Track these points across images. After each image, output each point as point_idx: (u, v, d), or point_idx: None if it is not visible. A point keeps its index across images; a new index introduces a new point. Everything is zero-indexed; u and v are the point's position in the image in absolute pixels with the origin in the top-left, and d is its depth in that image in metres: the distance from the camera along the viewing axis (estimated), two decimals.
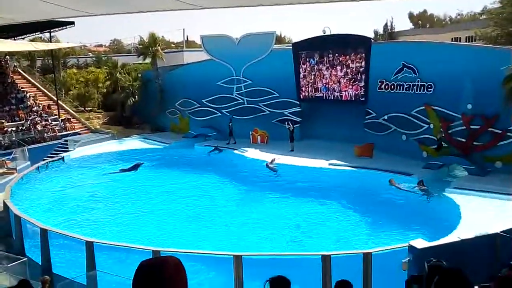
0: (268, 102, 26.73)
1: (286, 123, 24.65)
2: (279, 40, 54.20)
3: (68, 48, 41.73)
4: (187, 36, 65.73)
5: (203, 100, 29.23)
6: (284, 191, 19.09)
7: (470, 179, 17.45)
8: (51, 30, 33.85)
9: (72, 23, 32.34)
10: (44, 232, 13.03)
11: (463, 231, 12.02)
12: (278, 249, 13.33)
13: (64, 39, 51.16)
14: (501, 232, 10.56)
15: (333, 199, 17.62)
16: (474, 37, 45.92)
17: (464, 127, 18.86)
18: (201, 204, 18.18)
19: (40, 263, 12.98)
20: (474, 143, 18.62)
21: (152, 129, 32.63)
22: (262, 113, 27.00)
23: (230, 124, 26.66)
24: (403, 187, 17.82)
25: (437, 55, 20.17)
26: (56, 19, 24.37)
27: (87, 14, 4.81)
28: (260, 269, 10.65)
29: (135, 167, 23.33)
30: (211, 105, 28.97)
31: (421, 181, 17.72)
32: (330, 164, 20.73)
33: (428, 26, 75.16)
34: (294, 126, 24.52)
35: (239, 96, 27.85)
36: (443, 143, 19.31)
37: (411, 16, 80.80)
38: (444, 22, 77.61)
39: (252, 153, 23.89)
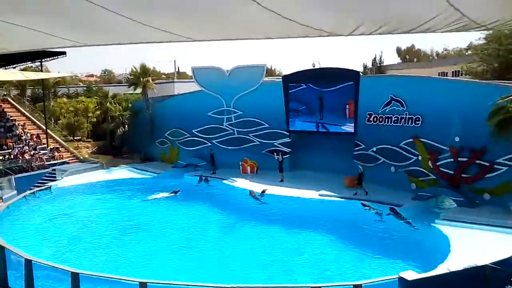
0: (258, 133, 26.89)
1: (275, 153, 24.79)
2: (270, 72, 54.97)
3: (59, 77, 41.87)
4: (178, 67, 66.47)
5: (193, 130, 29.31)
6: (273, 222, 18.94)
7: (459, 211, 17.52)
8: (42, 60, 34.00)
9: (64, 53, 32.54)
10: (28, 263, 12.73)
11: (453, 263, 12.00)
12: (267, 280, 13.16)
13: (55, 68, 51.42)
14: (490, 263, 10.56)
15: (323, 230, 17.51)
16: (461, 72, 46.99)
17: (452, 159, 19.06)
18: (189, 235, 17.96)
19: None
20: (462, 175, 18.79)
21: (141, 159, 32.48)
22: (252, 144, 27.11)
23: (211, 152, 26.92)
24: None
25: (425, 89, 20.57)
26: (48, 49, 24.54)
27: (79, 45, 4.87)
28: None
29: (175, 192, 23.26)
30: (201, 135, 29.05)
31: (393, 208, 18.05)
32: (320, 195, 20.74)
33: (415, 60, 76.82)
34: (284, 156, 24.59)
35: (229, 127, 28.00)
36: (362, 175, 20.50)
37: (399, 51, 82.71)
38: (431, 57, 79.41)
39: (242, 183, 23.83)
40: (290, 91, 25.35)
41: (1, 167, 27.02)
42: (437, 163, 19.56)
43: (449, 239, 14.60)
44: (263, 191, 21.89)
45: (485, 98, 17.72)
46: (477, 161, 18.34)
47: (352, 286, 10.13)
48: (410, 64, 67.74)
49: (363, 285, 10.14)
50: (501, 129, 17.08)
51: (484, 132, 17.52)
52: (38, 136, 32.64)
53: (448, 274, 10.51)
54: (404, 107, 21.00)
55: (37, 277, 12.66)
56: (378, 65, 65.61)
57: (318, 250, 15.98)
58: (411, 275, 10.18)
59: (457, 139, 18.88)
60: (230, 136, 27.96)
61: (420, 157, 20.25)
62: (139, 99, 34.18)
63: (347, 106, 23.43)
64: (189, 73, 33.73)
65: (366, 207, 18.96)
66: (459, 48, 67.87)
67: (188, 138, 29.67)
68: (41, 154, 30.25)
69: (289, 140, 26.09)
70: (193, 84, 29.87)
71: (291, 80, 25.66)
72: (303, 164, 25.52)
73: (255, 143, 26.99)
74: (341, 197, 20.36)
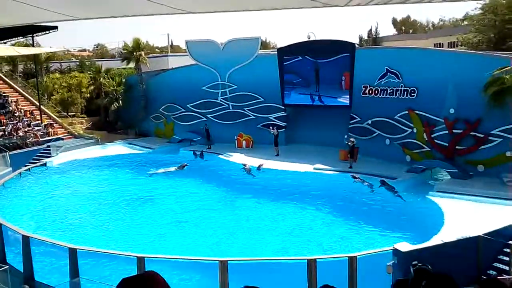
0: (253, 107, 26.77)
1: (270, 127, 24.71)
2: (264, 45, 54.40)
3: (51, 52, 41.27)
4: (171, 41, 65.63)
5: (188, 105, 29.14)
6: (269, 196, 19.06)
7: (453, 183, 17.65)
8: (34, 35, 33.41)
9: (56, 27, 31.93)
10: (26, 239, 12.79)
11: (446, 234, 12.16)
12: (262, 253, 13.31)
13: (47, 43, 50.65)
14: (483, 234, 10.71)
15: (318, 203, 17.66)
16: (456, 43, 46.70)
17: (447, 131, 19.10)
18: (185, 209, 18.08)
19: (22, 271, 12.74)
20: (457, 147, 18.86)
21: (136, 134, 32.40)
22: (247, 118, 27.02)
23: (206, 127, 26.73)
24: None
25: (420, 60, 20.48)
26: (39, 23, 24.08)
27: (71, 18, 4.76)
28: (245, 275, 10.65)
29: (181, 167, 23.37)
30: (196, 110, 28.89)
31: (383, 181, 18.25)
32: (315, 169, 20.82)
33: (411, 31, 76.15)
34: (279, 130, 24.55)
35: (224, 101, 27.84)
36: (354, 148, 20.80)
37: (394, 22, 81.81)
38: (427, 28, 78.71)
39: (237, 157, 23.85)
40: (285, 64, 25.14)
41: None
42: (432, 135, 19.59)
43: (442, 211, 14.75)
44: (260, 166, 21.94)
45: (480, 69, 17.69)
46: (472, 133, 18.38)
47: (347, 258, 10.26)
48: (406, 36, 67.18)
49: (357, 257, 10.27)
50: (496, 100, 17.12)
51: (479, 104, 17.54)
52: (31, 112, 32.37)
53: (441, 245, 10.66)
54: (400, 79, 20.91)
55: (35, 253, 12.77)
56: (374, 36, 64.98)
57: (312, 223, 16.16)
58: (405, 246, 10.32)
59: (452, 110, 18.86)
60: (225, 111, 27.82)
61: (415, 130, 20.27)
62: (133, 73, 33.85)
63: (343, 78, 23.31)
64: (183, 46, 33.28)
65: (356, 179, 19.15)
66: (455, 18, 67.32)
67: (183, 113, 29.52)
68: (35, 131, 30.06)
69: (285, 114, 26.01)
70: (187, 58, 29.55)
71: (286, 52, 25.41)
72: (298, 138, 25.53)
73: (250, 118, 26.90)
74: (335, 170, 20.44)
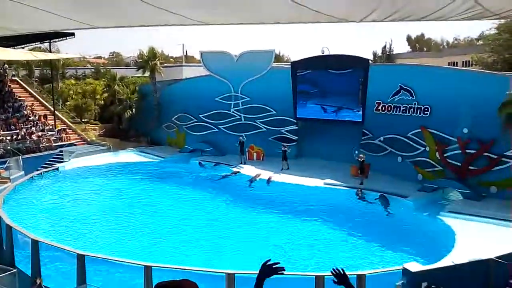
0: (265, 120, 26.81)
1: (282, 146, 24.08)
2: (278, 58, 54.55)
3: (67, 58, 41.87)
4: (186, 51, 66.12)
5: (200, 115, 29.27)
6: (278, 210, 18.97)
7: (465, 203, 17.45)
8: (51, 41, 33.96)
9: (72, 34, 32.41)
10: (35, 243, 12.86)
11: (457, 256, 11.99)
12: None
13: (64, 50, 51.32)
14: (495, 258, 10.53)
15: (327, 219, 17.54)
16: (471, 62, 46.44)
17: (460, 151, 18.93)
18: (194, 220, 18.06)
19: (30, 275, 12.79)
20: (470, 167, 18.67)
21: (148, 143, 32.60)
22: (258, 130, 27.04)
23: (242, 140, 25.52)
24: None
25: (435, 78, 20.38)
26: (57, 31, 24.45)
27: (89, 27, 4.81)
28: None
29: (235, 173, 23.66)
30: (208, 120, 29.01)
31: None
32: (325, 184, 20.71)
33: (425, 49, 75.98)
34: (289, 144, 24.56)
35: (237, 113, 27.93)
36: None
37: (409, 39, 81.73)
38: (441, 46, 78.48)
39: (248, 169, 23.82)
40: (299, 78, 25.19)
41: (9, 147, 27.15)
42: (445, 155, 19.43)
43: (454, 232, 14.56)
44: (269, 179, 21.91)
45: (495, 89, 17.57)
46: (485, 154, 18.20)
47: (355, 276, 10.14)
48: (420, 53, 67.01)
49: (366, 275, 10.16)
50: (510, 122, 16.93)
51: (493, 124, 17.38)
52: (45, 117, 32.75)
53: (452, 266, 10.50)
54: (413, 97, 20.82)
55: (43, 257, 12.82)
56: (388, 53, 64.91)
57: (321, 238, 16.02)
58: (414, 266, 10.18)
59: (465, 130, 18.72)
60: (237, 122, 27.89)
61: (427, 148, 20.13)
62: (147, 82, 34.16)
63: (359, 93, 23.16)
64: (197, 57, 33.55)
65: (359, 197, 19.39)
66: (470, 38, 67.04)
67: (195, 123, 29.65)
68: (49, 135, 30.37)
69: (296, 128, 26.00)
70: (201, 69, 29.77)
71: (299, 66, 25.47)
72: (309, 152, 25.48)
73: (262, 130, 26.93)
74: (346, 186, 20.32)
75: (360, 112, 23.04)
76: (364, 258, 14.21)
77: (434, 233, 15.36)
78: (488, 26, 37.94)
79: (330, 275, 3.24)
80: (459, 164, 18.95)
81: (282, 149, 23.76)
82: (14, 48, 34.04)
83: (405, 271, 10.00)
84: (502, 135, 17.32)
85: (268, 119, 26.73)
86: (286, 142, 25.10)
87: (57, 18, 4.26)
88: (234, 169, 23.95)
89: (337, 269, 3.42)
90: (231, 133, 27.71)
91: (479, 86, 18.53)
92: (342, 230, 16.68)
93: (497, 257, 10.51)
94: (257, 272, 3.00)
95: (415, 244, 14.58)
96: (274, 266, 2.96)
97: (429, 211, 17.22)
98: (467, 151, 18.68)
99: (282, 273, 2.98)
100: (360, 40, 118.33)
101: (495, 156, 17.92)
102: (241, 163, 24.97)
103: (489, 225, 15.08)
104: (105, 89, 37.10)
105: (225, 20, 4.52)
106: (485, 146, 18.17)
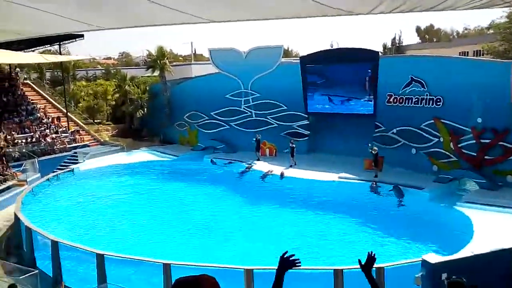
0: (276, 115, 26.79)
1: (290, 142, 24.09)
2: (287, 53, 54.46)
3: (77, 60, 42.16)
4: (195, 49, 66.36)
5: (211, 113, 29.36)
6: (293, 204, 19.04)
7: (482, 193, 17.35)
8: (61, 43, 34.23)
9: (82, 35, 32.62)
10: (55, 244, 13.06)
11: (476, 246, 11.93)
12: None
13: (74, 51, 51.71)
14: None
15: (343, 213, 17.54)
16: (482, 51, 45.95)
17: (474, 141, 18.79)
18: (210, 216, 18.18)
19: (51, 276, 12.98)
20: (485, 157, 18.54)
21: (161, 142, 32.77)
22: (270, 126, 27.05)
23: (258, 137, 25.59)
24: None
25: (446, 69, 20.22)
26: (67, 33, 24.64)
27: (97, 28, 4.86)
28: (271, 283, 10.62)
29: (248, 168, 23.91)
30: (219, 117, 29.09)
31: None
32: (340, 178, 20.68)
33: (435, 40, 75.27)
34: (301, 140, 24.68)
35: (247, 109, 27.96)
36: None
37: (418, 30, 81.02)
38: (451, 36, 77.71)
39: (261, 165, 23.87)
40: (308, 72, 25.11)
41: (24, 149, 27.45)
42: (459, 145, 19.32)
43: (472, 222, 14.49)
44: (282, 174, 21.98)
45: (507, 78, 17.37)
46: (500, 143, 18.06)
47: (375, 268, 10.13)
48: (430, 44, 66.42)
49: (385, 267, 10.16)
50: None
51: (508, 113, 17.24)
52: (58, 119, 33.04)
53: (472, 257, 10.45)
54: (425, 88, 20.68)
55: (64, 258, 13.00)
56: (398, 45, 64.45)
57: (338, 232, 16.05)
58: (434, 258, 10.15)
59: (479, 120, 18.58)
60: (248, 119, 27.93)
61: (441, 139, 20.01)
62: (157, 81, 34.29)
63: (367, 79, 23.01)
64: (206, 55, 33.64)
65: (374, 191, 19.42)
66: (480, 27, 66.29)
67: (207, 121, 29.74)
68: (63, 137, 30.65)
69: (308, 122, 25.95)
70: (210, 66, 29.80)
71: (308, 61, 25.36)
72: (321, 146, 25.41)
73: (273, 126, 26.93)
74: (360, 180, 20.27)
75: (372, 104, 22.89)
76: (382, 250, 14.19)
77: (452, 223, 15.30)
78: (498, 15, 37.59)
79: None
80: (474, 154, 18.83)
81: (290, 145, 23.74)
82: (25, 52, 34.38)
83: (424, 263, 9.97)
84: None
85: (279, 114, 26.70)
86: (298, 137, 25.09)
87: (66, 21, 4.31)
88: (247, 165, 24.00)
89: (373, 254, 3.45)
90: (243, 129, 27.75)
91: (491, 75, 18.36)
92: (360, 223, 16.68)
93: None
94: (275, 267, 3.02)
95: (433, 235, 14.54)
96: (291, 259, 2.99)
97: (445, 202, 17.16)
98: (482, 141, 18.54)
99: (299, 266, 3.00)
100: (369, 33, 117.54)
101: (510, 145, 17.77)
102: (257, 160, 25.04)
103: (506, 214, 14.98)
104: (116, 89, 37.31)
105: (232, 16, 4.54)
106: (500, 135, 18.03)
